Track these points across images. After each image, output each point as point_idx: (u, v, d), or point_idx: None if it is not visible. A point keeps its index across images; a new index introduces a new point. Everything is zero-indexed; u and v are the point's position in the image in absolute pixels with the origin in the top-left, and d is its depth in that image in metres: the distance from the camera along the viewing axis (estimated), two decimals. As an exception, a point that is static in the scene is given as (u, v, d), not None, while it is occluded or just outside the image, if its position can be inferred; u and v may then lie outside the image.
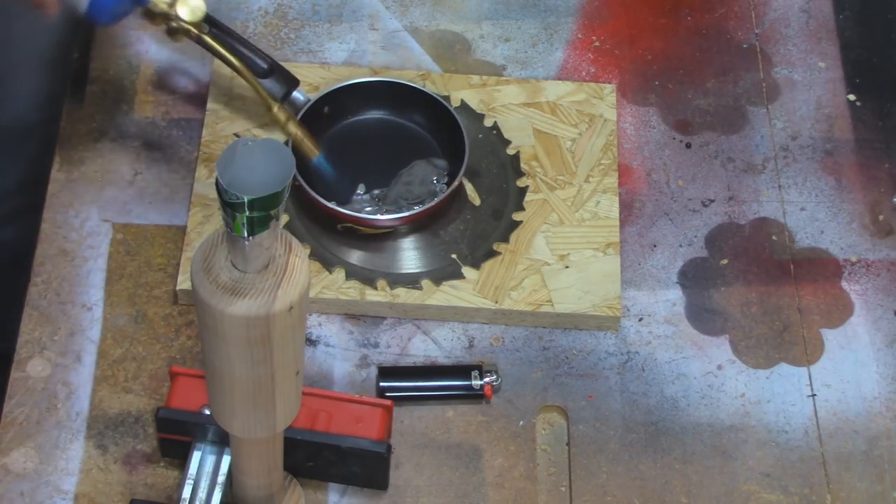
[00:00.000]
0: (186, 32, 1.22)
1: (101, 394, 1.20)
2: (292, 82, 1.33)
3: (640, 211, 1.34)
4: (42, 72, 1.46)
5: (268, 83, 1.31)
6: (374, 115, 1.35)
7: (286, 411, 0.97)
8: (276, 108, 1.28)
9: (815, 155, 1.39)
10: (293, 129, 1.29)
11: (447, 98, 1.34)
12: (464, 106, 1.36)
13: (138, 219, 1.30)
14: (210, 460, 1.13)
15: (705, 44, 1.45)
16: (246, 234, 0.83)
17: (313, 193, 1.26)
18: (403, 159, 1.32)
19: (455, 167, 1.30)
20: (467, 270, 1.27)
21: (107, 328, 1.24)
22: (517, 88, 1.38)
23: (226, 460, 1.13)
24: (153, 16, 1.21)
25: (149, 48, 1.40)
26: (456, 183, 1.28)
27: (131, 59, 1.39)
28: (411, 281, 1.26)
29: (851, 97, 1.42)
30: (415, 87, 1.33)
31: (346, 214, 1.27)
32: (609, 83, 1.40)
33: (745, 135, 1.40)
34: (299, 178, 1.26)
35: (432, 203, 1.27)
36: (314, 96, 1.32)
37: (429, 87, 1.35)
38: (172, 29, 1.22)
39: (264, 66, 1.31)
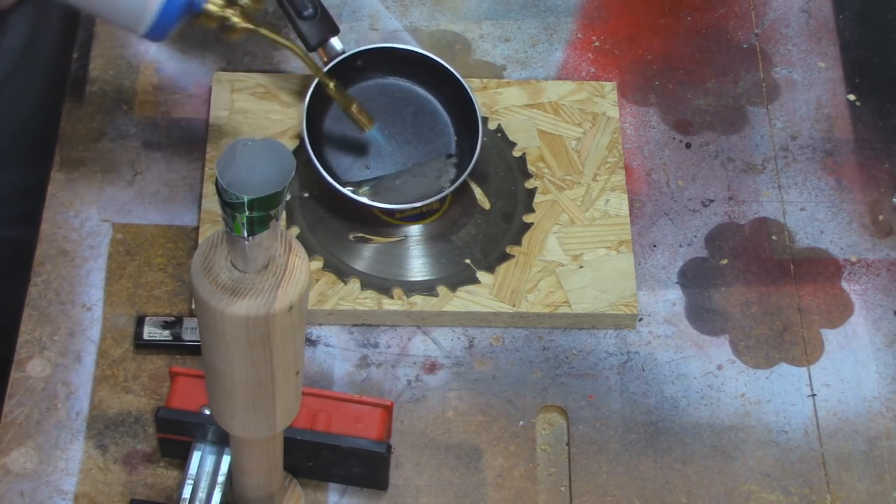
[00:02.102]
0: (244, 29, 1.20)
1: (101, 394, 1.20)
2: (332, 30, 1.32)
3: (640, 211, 1.34)
4: (42, 72, 1.46)
5: (306, 27, 1.30)
6: (403, 82, 1.35)
7: (286, 411, 0.97)
8: (332, 85, 1.28)
9: (815, 155, 1.39)
10: (350, 103, 1.29)
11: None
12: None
13: (138, 219, 1.30)
14: (210, 460, 1.13)
15: (705, 44, 1.45)
16: (246, 234, 0.83)
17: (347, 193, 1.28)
18: (417, 137, 1.32)
19: (464, 158, 1.30)
20: (482, 275, 1.27)
21: (107, 328, 1.24)
22: (518, 90, 1.38)
23: (226, 460, 1.13)
24: (210, 19, 1.19)
25: (149, 48, 1.40)
26: (466, 174, 1.29)
27: (131, 59, 1.39)
28: (427, 288, 1.26)
29: (851, 97, 1.42)
30: (447, 68, 1.32)
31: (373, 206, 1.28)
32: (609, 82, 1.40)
33: (745, 135, 1.40)
34: (319, 168, 1.27)
35: (451, 188, 1.28)
36: (351, 50, 1.32)
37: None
38: (227, 27, 1.20)
39: (310, 8, 1.30)
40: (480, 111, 1.31)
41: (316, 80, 1.30)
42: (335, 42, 1.32)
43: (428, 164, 1.32)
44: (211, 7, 1.18)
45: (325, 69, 1.31)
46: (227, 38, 1.21)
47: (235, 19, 1.19)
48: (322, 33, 1.31)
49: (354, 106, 1.29)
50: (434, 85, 1.34)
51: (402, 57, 1.34)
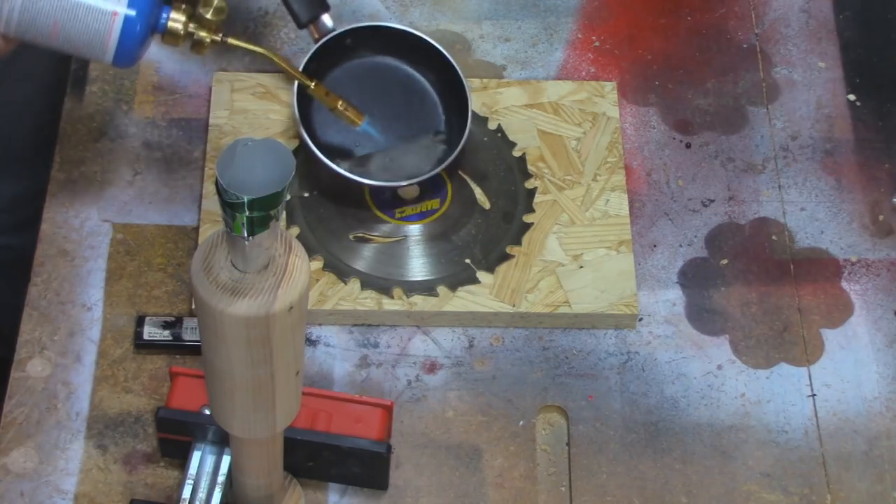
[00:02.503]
0: (212, 42, 1.18)
1: (101, 394, 1.20)
2: (323, 6, 1.32)
3: (640, 211, 1.34)
4: (42, 72, 1.46)
5: (297, 4, 1.30)
6: (392, 61, 1.35)
7: (286, 411, 0.97)
8: (313, 86, 1.27)
9: (815, 155, 1.39)
10: (335, 101, 1.29)
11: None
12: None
13: (138, 219, 1.30)
14: (210, 460, 1.13)
15: (705, 44, 1.45)
16: (246, 234, 0.83)
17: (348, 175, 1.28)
18: (406, 116, 1.33)
19: (454, 137, 1.31)
20: (482, 275, 1.27)
21: (107, 328, 1.24)
22: (518, 90, 1.38)
23: (226, 460, 1.13)
24: (174, 38, 1.17)
25: (149, 48, 1.40)
26: (457, 151, 1.29)
27: (131, 59, 1.39)
28: (427, 288, 1.26)
29: (851, 97, 1.42)
30: (436, 48, 1.32)
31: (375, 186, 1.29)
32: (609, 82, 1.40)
33: (745, 135, 1.40)
34: (321, 156, 1.27)
35: (440, 168, 1.29)
36: (341, 28, 1.32)
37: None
38: (196, 43, 1.18)
39: None
40: (469, 88, 1.30)
41: (304, 64, 1.29)
42: (326, 19, 1.32)
43: (417, 142, 1.32)
44: (174, 25, 1.16)
45: (317, 45, 1.30)
46: (198, 54, 1.20)
47: (202, 34, 1.18)
48: (313, 10, 1.31)
49: (340, 103, 1.29)
50: (424, 64, 1.34)
51: (391, 36, 1.33)
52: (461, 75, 1.31)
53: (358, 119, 1.30)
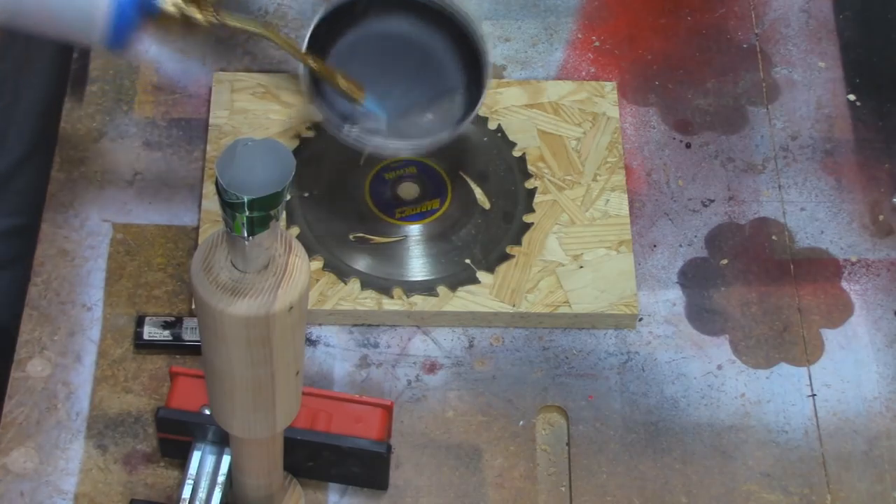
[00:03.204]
0: (206, 21, 1.15)
1: (101, 394, 1.20)
2: None
3: (640, 211, 1.34)
4: (42, 72, 1.46)
5: None
6: (405, 24, 1.31)
7: (286, 411, 0.97)
8: (311, 62, 1.23)
9: (815, 155, 1.39)
10: (334, 75, 1.25)
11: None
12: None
13: (138, 219, 1.30)
14: (210, 460, 1.14)
15: (705, 44, 1.45)
16: (246, 234, 0.83)
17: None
18: (421, 78, 1.30)
19: (473, 99, 1.28)
20: (482, 275, 1.27)
21: (107, 328, 1.24)
22: (518, 90, 1.38)
23: (226, 460, 1.13)
24: (169, 20, 1.14)
25: (149, 48, 1.40)
26: (473, 114, 1.26)
27: (131, 59, 1.39)
28: (426, 288, 1.26)
29: (851, 97, 1.42)
30: (449, 7, 1.29)
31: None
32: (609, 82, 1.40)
33: (745, 135, 1.40)
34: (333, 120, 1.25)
35: (456, 131, 1.26)
36: None
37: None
38: (191, 23, 1.14)
39: None
40: (486, 46, 1.27)
41: (314, 24, 1.26)
42: None
43: (435, 103, 1.30)
44: (170, 9, 1.14)
45: (329, 9, 1.26)
46: (192, 35, 1.17)
47: (197, 15, 1.15)
48: None
49: (340, 78, 1.25)
50: (437, 26, 1.30)
51: (402, 0, 1.30)
52: (478, 30, 1.27)
53: (359, 92, 1.26)
